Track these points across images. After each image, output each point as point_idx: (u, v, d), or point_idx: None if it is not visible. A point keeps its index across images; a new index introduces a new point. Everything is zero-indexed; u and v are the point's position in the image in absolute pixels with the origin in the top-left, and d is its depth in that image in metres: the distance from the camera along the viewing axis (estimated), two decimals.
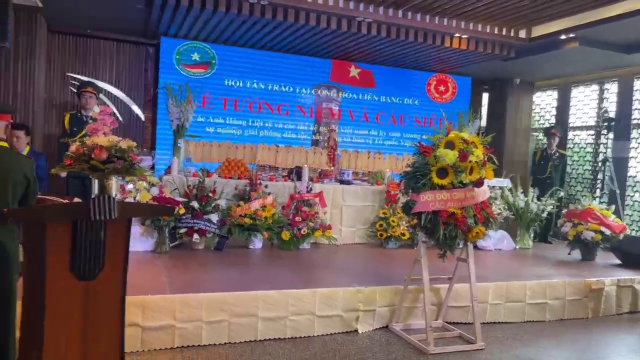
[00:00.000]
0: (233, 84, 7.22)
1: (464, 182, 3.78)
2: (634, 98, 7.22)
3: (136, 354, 3.35)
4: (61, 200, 2.75)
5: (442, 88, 8.33)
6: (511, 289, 4.66)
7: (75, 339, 2.55)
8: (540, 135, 8.84)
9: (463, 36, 6.32)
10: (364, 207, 6.49)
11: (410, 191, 3.88)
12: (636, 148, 7.22)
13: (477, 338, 3.91)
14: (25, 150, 4.78)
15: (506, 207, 6.81)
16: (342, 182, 6.61)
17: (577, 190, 7.98)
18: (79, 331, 2.56)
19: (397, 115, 8.13)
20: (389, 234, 6.21)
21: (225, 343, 3.64)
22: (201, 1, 5.42)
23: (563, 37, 6.12)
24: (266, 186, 5.87)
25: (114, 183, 2.35)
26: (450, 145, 3.81)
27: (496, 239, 6.70)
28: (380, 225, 6.29)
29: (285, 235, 5.70)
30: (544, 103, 8.94)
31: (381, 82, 7.97)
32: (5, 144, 2.72)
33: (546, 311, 4.76)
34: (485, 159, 3.92)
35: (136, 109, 7.19)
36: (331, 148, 7.05)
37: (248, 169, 6.28)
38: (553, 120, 8.62)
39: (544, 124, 8.88)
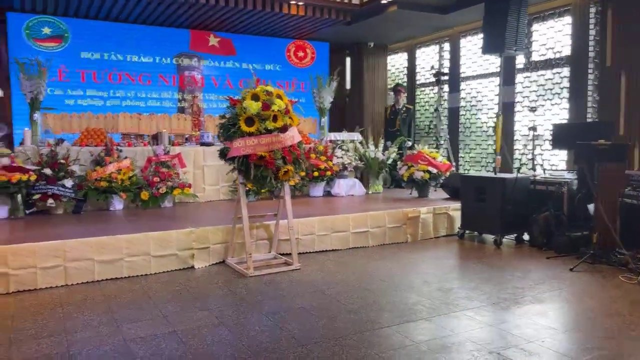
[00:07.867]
0: (90, 56, 7.37)
1: (269, 128, 4.40)
2: (460, 55, 8.23)
3: None
4: None
5: (301, 54, 8.95)
6: (336, 221, 5.43)
7: None
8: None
9: (299, 3, 6.89)
10: (225, 166, 6.97)
11: (224, 139, 4.46)
12: (464, 98, 8.28)
13: (294, 261, 4.62)
14: None
15: (357, 158, 7.61)
16: (203, 144, 7.05)
17: (423, 139, 8.98)
18: None
19: (260, 81, 8.59)
20: (247, 189, 6.78)
21: (62, 285, 4.06)
22: None
23: (384, 1, 6.86)
24: (121, 150, 6.20)
25: None
26: (255, 97, 4.41)
27: (348, 186, 7.49)
28: (236, 182, 6.83)
29: (145, 195, 6.10)
30: (398, 64, 9.84)
31: (242, 50, 8.42)
32: None
33: (369, 238, 5.60)
34: (290, 108, 4.56)
35: None
36: (195, 114, 7.44)
37: (108, 137, 6.54)
38: (406, 79, 9.54)
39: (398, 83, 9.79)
